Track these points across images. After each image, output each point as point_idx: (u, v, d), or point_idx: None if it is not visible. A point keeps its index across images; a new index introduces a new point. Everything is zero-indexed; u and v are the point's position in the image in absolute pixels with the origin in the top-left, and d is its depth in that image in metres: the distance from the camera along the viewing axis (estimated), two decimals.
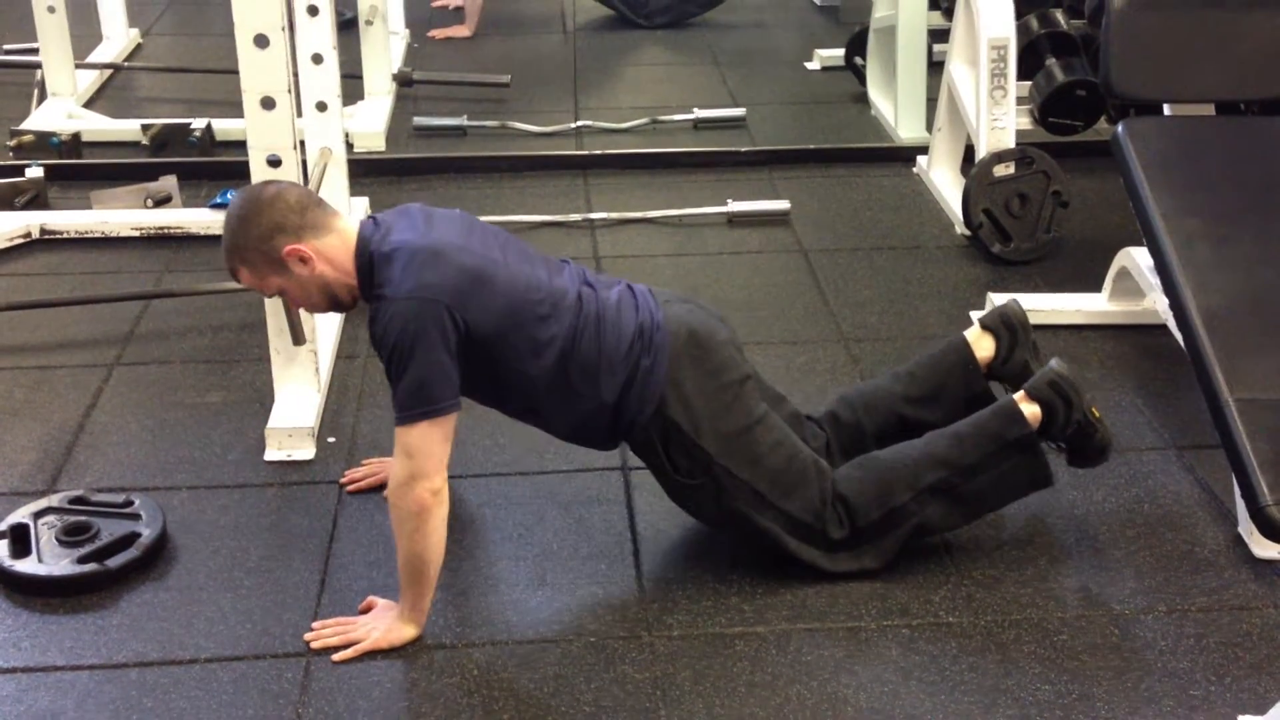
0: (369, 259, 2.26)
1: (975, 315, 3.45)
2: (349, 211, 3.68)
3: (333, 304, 2.37)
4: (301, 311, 2.77)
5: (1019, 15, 3.87)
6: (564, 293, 2.34)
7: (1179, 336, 2.80)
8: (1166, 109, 3.26)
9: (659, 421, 2.35)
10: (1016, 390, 2.52)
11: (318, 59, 3.43)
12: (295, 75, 2.84)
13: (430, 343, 2.17)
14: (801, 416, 2.61)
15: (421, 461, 2.19)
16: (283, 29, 2.62)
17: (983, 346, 2.66)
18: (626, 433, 2.40)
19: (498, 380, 2.32)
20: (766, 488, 2.39)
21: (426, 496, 2.19)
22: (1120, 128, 3.05)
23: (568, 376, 2.32)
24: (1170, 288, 2.77)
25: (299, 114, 2.83)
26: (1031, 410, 2.46)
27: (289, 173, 2.73)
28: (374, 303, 2.25)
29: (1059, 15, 4.07)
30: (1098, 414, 2.52)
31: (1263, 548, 2.53)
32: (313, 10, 3.37)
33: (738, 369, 2.43)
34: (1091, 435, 2.52)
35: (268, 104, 2.67)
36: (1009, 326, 2.66)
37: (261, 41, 2.61)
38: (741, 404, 2.40)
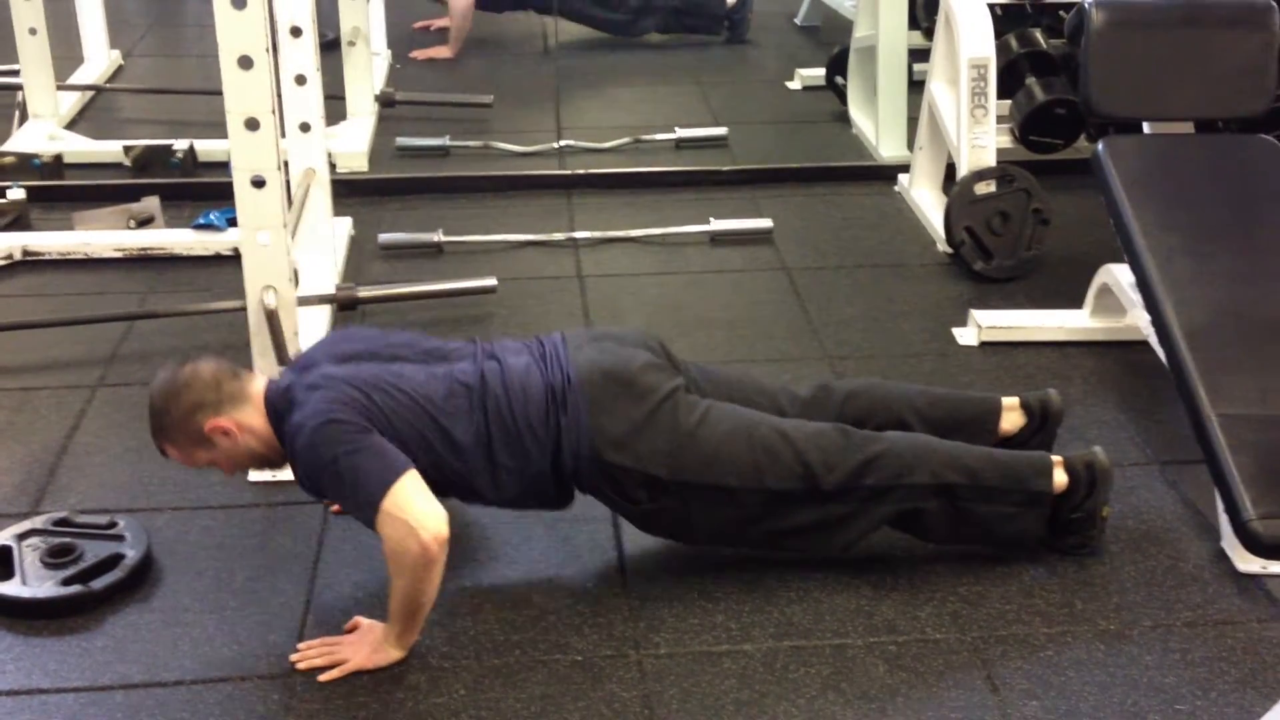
0: (277, 414, 2.34)
1: (957, 331, 3.47)
2: (331, 232, 3.68)
3: (263, 464, 2.44)
4: (286, 331, 2.78)
5: (999, 35, 3.90)
6: (466, 378, 2.37)
7: (1160, 352, 2.82)
8: (1146, 127, 3.29)
9: (599, 468, 2.37)
10: None
11: (301, 80, 3.43)
12: (279, 96, 2.85)
13: (349, 438, 2.22)
14: (773, 386, 2.64)
15: (414, 515, 2.17)
16: (267, 50, 2.62)
17: (1010, 419, 2.70)
18: (574, 487, 2.42)
19: (428, 474, 2.28)
20: (735, 479, 2.39)
21: (433, 546, 2.17)
22: (1100, 146, 3.08)
23: (493, 454, 2.35)
24: (1151, 304, 2.79)
25: (282, 135, 2.83)
26: (1060, 478, 2.51)
27: (273, 192, 2.72)
28: (289, 447, 2.31)
29: (1038, 35, 4.10)
30: (1106, 514, 2.56)
31: (1246, 562, 2.54)
32: (296, 31, 3.38)
33: (662, 387, 2.42)
34: (1087, 529, 2.55)
35: (252, 125, 2.67)
36: (1044, 417, 2.70)
37: (245, 63, 2.61)
38: (675, 417, 2.40)
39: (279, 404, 2.34)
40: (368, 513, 2.18)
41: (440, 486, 2.30)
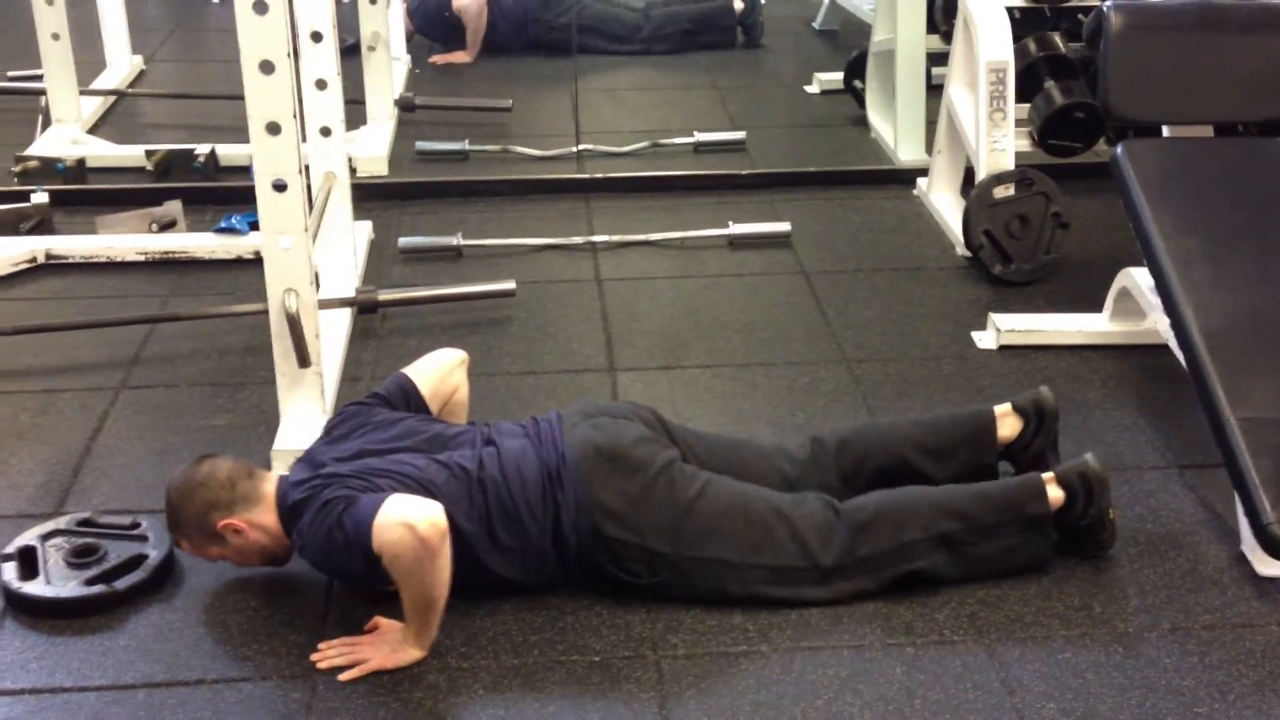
0: (287, 512, 2.39)
1: (976, 335, 3.47)
2: (352, 235, 3.70)
3: (271, 560, 2.48)
4: (307, 333, 2.80)
5: (1017, 38, 3.90)
6: (465, 463, 2.40)
7: (1180, 356, 2.81)
8: (1165, 130, 3.28)
9: (600, 543, 2.39)
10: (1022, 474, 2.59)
11: (321, 84, 3.45)
12: (300, 100, 2.87)
13: (340, 503, 2.26)
14: (770, 449, 2.65)
15: (407, 517, 2.18)
16: (288, 55, 2.64)
17: (1007, 425, 2.70)
18: (577, 562, 2.43)
19: None
20: (732, 554, 2.41)
21: (431, 535, 2.18)
22: (1119, 149, 3.08)
23: (496, 536, 2.38)
24: (1171, 307, 2.79)
25: (303, 139, 2.85)
26: (1055, 494, 2.51)
27: (294, 196, 2.75)
28: (297, 543, 2.37)
29: (1057, 38, 4.10)
30: (1114, 516, 2.55)
31: (1266, 565, 2.54)
32: (316, 36, 3.40)
33: (657, 459, 2.44)
34: (1098, 534, 2.55)
35: (273, 129, 2.69)
36: (1039, 415, 2.69)
37: (267, 67, 2.63)
38: (673, 491, 2.42)
39: (290, 503, 2.38)
40: (365, 539, 2.20)
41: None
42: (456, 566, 2.28)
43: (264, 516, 2.41)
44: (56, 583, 2.46)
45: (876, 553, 2.44)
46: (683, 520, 2.41)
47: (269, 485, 2.44)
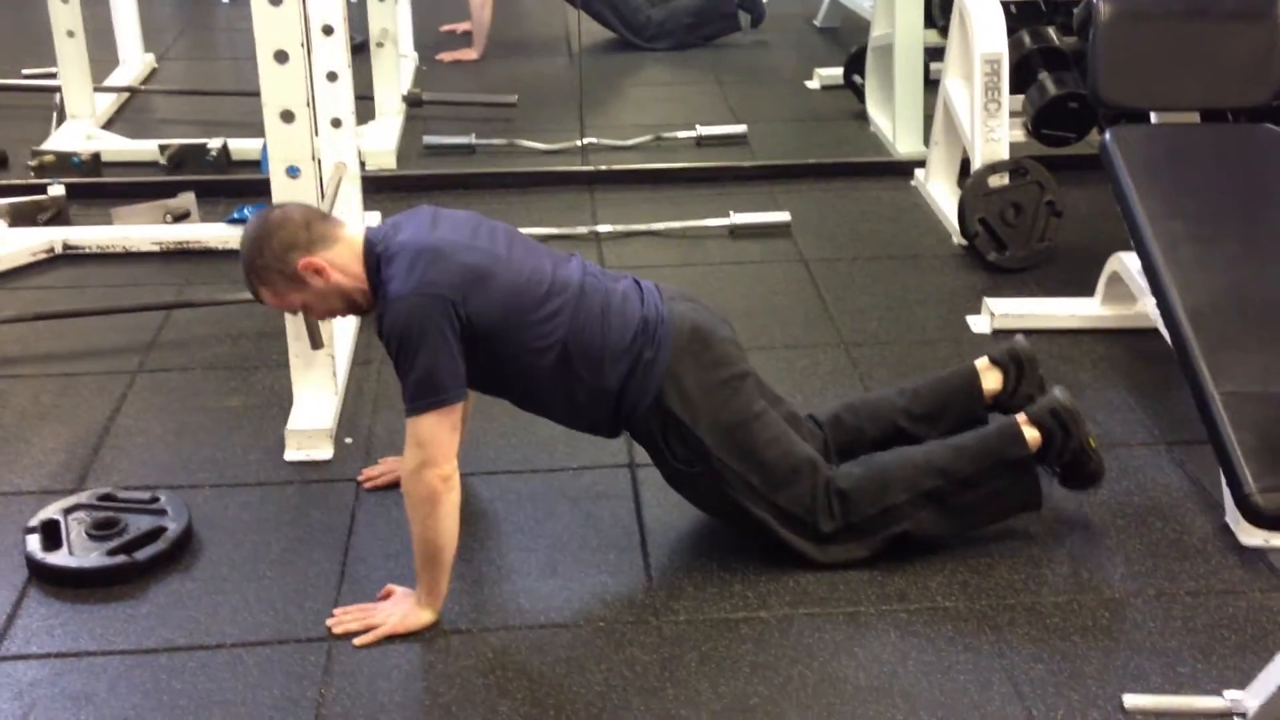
0: (376, 261, 2.39)
1: (971, 319, 3.56)
2: (361, 224, 3.78)
3: (352, 308, 2.49)
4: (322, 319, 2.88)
5: (1011, 31, 3.98)
6: (567, 283, 2.44)
7: (1167, 335, 2.89)
8: (1153, 117, 3.36)
9: (658, 411, 2.45)
10: None
11: (332, 76, 3.53)
12: (312, 91, 2.95)
13: (435, 336, 2.28)
14: (799, 416, 2.71)
15: (431, 450, 2.29)
16: (301, 45, 2.73)
17: (990, 379, 2.76)
18: (627, 420, 2.49)
19: (504, 369, 2.42)
20: (759, 481, 2.49)
21: (437, 483, 2.30)
22: (1108, 135, 3.16)
23: (571, 364, 2.42)
24: (1157, 287, 2.86)
25: (315, 130, 2.94)
26: (1032, 434, 2.56)
27: (307, 183, 2.84)
28: (381, 302, 2.37)
29: (1051, 31, 4.18)
30: (1094, 444, 2.61)
31: (1249, 535, 2.62)
32: (328, 30, 3.48)
33: (737, 365, 2.52)
34: (1085, 464, 2.61)
35: (287, 117, 2.78)
36: (1017, 363, 2.76)
37: (281, 57, 2.72)
38: (740, 399, 2.49)
39: (386, 251, 2.37)
40: (411, 404, 2.29)
41: (507, 382, 2.44)
42: (515, 384, 2.41)
43: (345, 259, 2.40)
44: (79, 554, 2.54)
45: (863, 518, 2.52)
46: (737, 428, 2.47)
47: (346, 230, 2.44)
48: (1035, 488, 2.58)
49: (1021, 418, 2.59)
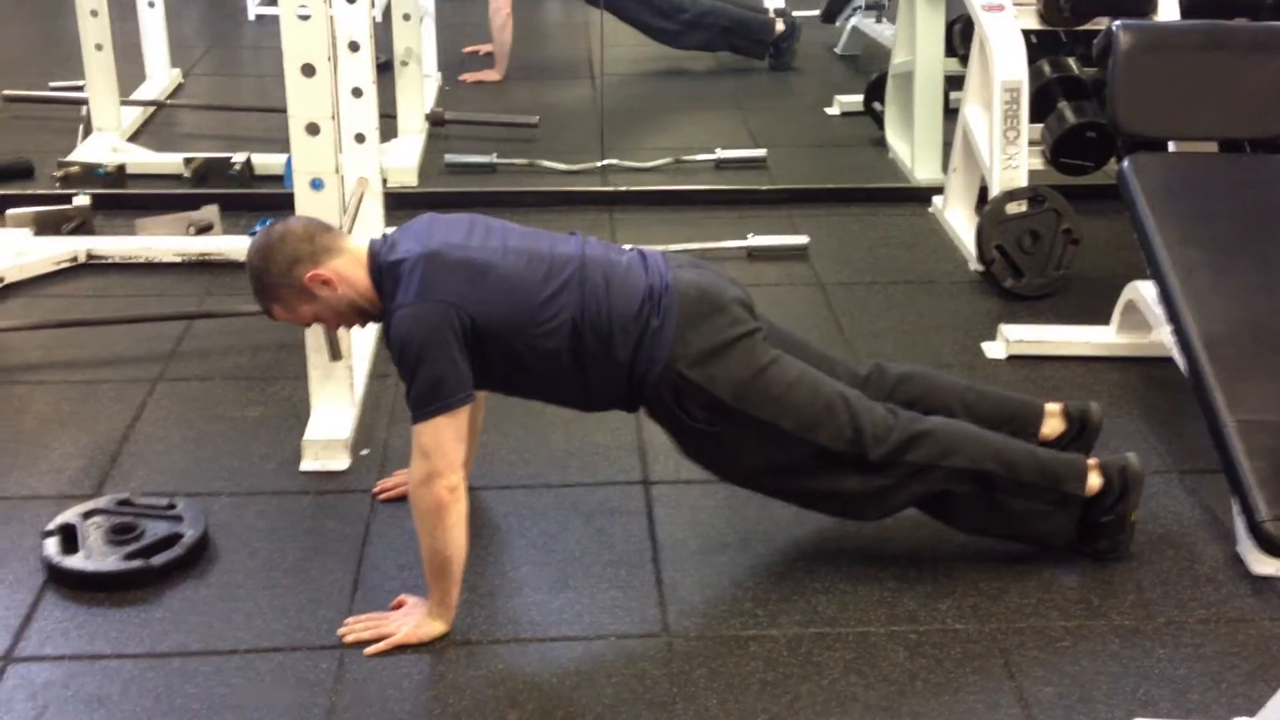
0: (379, 272, 2.42)
1: (986, 345, 3.56)
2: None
3: (364, 317, 2.52)
4: (339, 330, 2.91)
5: (1031, 60, 4.00)
6: (568, 260, 2.46)
7: (1181, 363, 2.90)
8: (1171, 146, 3.38)
9: (670, 377, 2.44)
10: None
11: (357, 92, 3.58)
12: (337, 106, 2.99)
13: (439, 342, 2.31)
14: (834, 358, 2.72)
15: (437, 461, 2.31)
16: (328, 59, 2.77)
17: (1051, 424, 2.77)
18: (639, 390, 2.48)
19: (519, 358, 2.42)
20: (791, 424, 2.47)
21: (444, 494, 2.31)
22: (1126, 163, 3.18)
23: (583, 339, 2.42)
24: (1173, 314, 2.88)
25: (339, 145, 2.97)
26: (1094, 480, 2.58)
27: (331, 196, 2.87)
28: (386, 311, 2.40)
29: (1070, 60, 4.20)
30: (1135, 520, 2.62)
31: (1261, 564, 2.62)
32: (354, 46, 3.53)
33: (747, 323, 2.52)
34: (1116, 534, 2.62)
35: (312, 130, 2.81)
36: (1083, 424, 2.77)
37: (308, 70, 2.76)
38: (752, 352, 2.49)
39: (388, 261, 2.40)
40: (416, 410, 2.32)
41: (519, 373, 2.44)
42: (527, 374, 2.42)
43: (351, 269, 2.43)
44: (96, 558, 2.56)
45: (921, 463, 2.51)
46: (754, 380, 2.47)
47: (350, 241, 2.48)
48: (1067, 531, 2.60)
49: (1093, 461, 2.61)
